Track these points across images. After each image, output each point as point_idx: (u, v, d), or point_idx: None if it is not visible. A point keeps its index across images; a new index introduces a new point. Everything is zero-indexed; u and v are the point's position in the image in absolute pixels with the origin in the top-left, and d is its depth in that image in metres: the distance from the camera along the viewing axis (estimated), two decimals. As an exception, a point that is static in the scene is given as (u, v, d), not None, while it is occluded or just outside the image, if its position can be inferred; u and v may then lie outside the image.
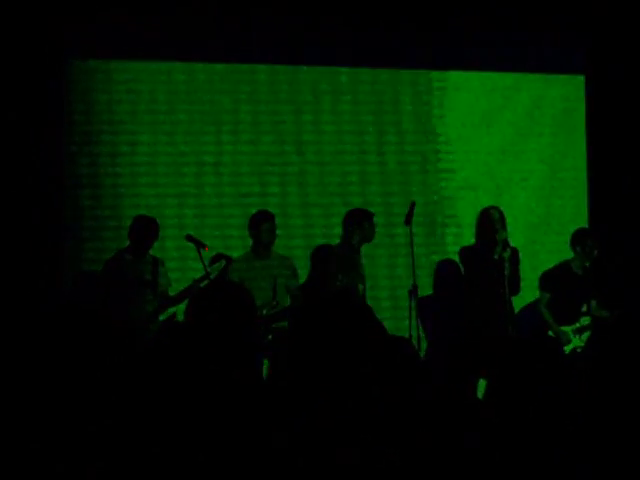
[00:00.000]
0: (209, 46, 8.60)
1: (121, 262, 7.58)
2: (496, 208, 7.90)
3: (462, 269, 7.96)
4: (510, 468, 2.42)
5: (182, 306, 7.28)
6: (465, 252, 7.92)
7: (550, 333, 7.86)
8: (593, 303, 8.04)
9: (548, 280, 8.04)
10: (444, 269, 8.13)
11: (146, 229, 7.59)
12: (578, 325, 7.94)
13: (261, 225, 7.75)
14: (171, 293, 7.67)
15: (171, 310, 7.55)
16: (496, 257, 7.58)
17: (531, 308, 8.25)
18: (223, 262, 7.50)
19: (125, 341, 6.87)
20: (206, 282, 7.25)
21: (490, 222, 7.74)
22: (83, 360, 3.29)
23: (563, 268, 8.07)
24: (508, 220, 7.91)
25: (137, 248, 7.60)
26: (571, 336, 7.88)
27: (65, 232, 8.37)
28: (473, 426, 2.49)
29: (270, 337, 7.44)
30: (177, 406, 2.52)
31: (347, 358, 2.34)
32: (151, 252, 7.68)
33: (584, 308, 7.97)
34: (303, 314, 2.43)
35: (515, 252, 7.77)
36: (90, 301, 7.35)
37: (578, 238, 8.11)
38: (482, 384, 6.83)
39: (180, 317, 7.25)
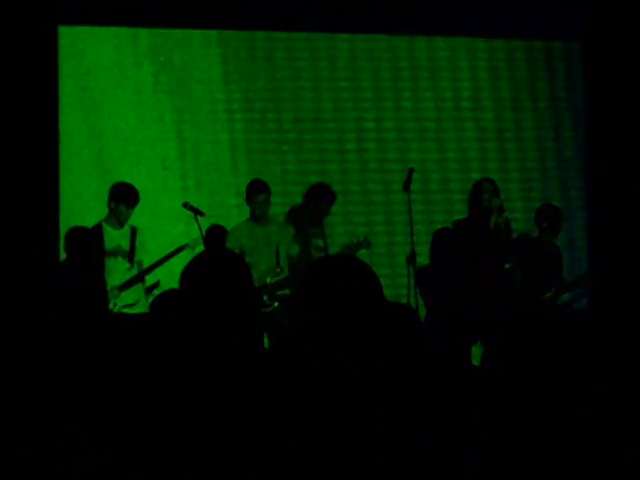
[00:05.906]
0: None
1: (100, 232, 7.40)
2: (489, 179, 7.75)
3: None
4: (506, 435, 2.44)
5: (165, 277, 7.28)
6: (457, 225, 7.76)
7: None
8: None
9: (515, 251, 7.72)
10: (441, 238, 7.95)
11: (125, 196, 7.40)
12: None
13: (255, 196, 7.64)
14: (146, 264, 7.52)
15: (151, 279, 7.50)
16: (492, 226, 7.48)
17: None
18: (199, 238, 7.28)
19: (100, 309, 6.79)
20: (185, 252, 7.24)
21: (483, 192, 7.58)
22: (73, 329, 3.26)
23: (530, 241, 7.89)
24: None
25: (116, 217, 7.45)
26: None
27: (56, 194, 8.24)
28: (470, 394, 2.50)
29: (276, 305, 7.46)
30: (173, 377, 2.50)
31: (355, 326, 2.35)
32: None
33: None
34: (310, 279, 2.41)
35: (508, 222, 7.63)
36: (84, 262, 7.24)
37: (545, 215, 7.89)
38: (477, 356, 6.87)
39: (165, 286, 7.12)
